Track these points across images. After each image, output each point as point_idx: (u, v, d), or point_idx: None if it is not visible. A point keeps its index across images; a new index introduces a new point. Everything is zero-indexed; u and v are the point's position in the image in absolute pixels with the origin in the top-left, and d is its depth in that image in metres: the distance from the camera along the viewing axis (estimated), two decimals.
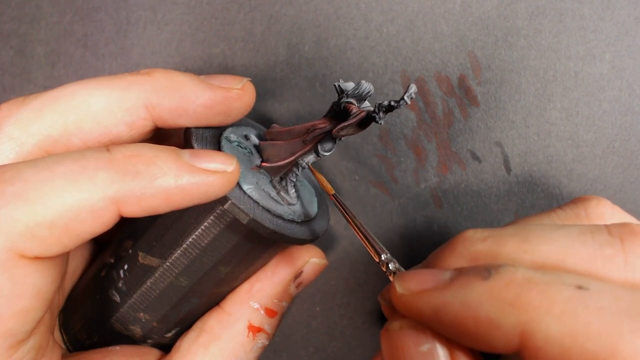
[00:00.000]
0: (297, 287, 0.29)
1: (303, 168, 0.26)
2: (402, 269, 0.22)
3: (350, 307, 0.34)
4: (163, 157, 0.21)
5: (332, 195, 0.26)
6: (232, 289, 0.28)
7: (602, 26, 0.32)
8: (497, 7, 0.32)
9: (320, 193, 0.31)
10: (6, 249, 0.19)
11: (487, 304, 0.17)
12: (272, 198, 0.26)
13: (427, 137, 0.33)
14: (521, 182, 0.32)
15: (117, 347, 0.28)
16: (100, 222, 0.20)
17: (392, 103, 0.21)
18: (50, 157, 0.21)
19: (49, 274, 0.21)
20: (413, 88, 0.21)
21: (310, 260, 0.29)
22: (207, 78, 0.25)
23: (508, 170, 0.32)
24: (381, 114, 0.22)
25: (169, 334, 0.28)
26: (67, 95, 0.24)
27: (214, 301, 0.28)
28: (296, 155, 0.25)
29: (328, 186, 0.27)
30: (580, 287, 0.17)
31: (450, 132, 0.33)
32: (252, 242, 0.26)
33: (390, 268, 0.23)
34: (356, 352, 0.34)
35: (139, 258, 0.26)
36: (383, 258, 0.23)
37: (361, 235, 0.24)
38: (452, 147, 0.33)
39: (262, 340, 0.28)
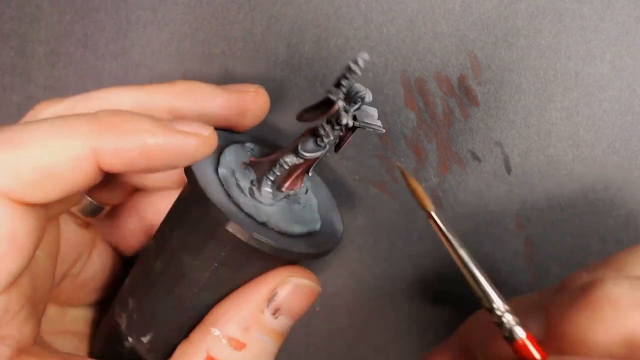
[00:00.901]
0: (274, 314, 0.24)
1: (282, 167, 0.25)
2: (522, 329, 0.18)
3: (350, 307, 0.34)
4: (141, 117, 0.21)
5: (429, 212, 0.21)
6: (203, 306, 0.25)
7: (603, 26, 0.32)
8: (497, 7, 0.32)
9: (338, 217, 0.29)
10: None
11: None
12: (239, 186, 0.25)
13: (427, 137, 0.33)
14: (521, 182, 0.32)
15: None
16: (80, 172, 0.21)
17: (341, 76, 0.21)
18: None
19: (28, 223, 0.21)
20: (363, 55, 0.20)
21: (287, 279, 0.24)
22: (223, 86, 0.26)
23: (508, 170, 0.32)
24: (333, 88, 0.22)
25: (144, 339, 0.27)
26: (96, 96, 0.25)
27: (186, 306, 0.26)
28: (277, 153, 0.25)
29: (426, 201, 0.22)
30: None
31: (450, 132, 0.33)
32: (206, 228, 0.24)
33: (505, 324, 0.19)
34: (356, 352, 0.34)
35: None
36: (496, 307, 0.19)
37: (467, 272, 0.20)
38: (452, 147, 0.33)
39: None
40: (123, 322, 0.27)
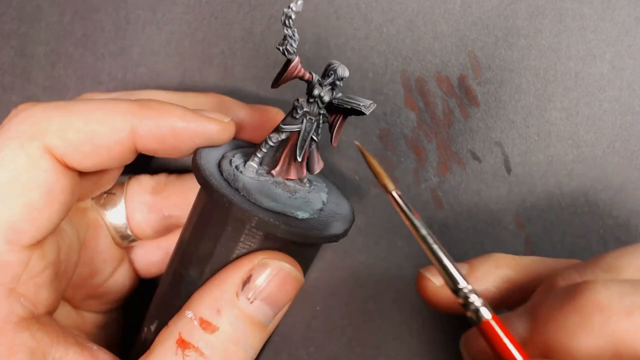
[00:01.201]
0: (250, 299, 0.22)
1: (267, 144, 0.26)
2: (488, 309, 0.18)
3: (350, 307, 0.34)
4: (173, 104, 0.25)
5: (390, 192, 0.21)
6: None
7: (603, 26, 0.32)
8: (497, 7, 0.32)
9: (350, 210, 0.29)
10: (37, 140, 0.22)
11: None
12: (230, 163, 0.26)
13: (427, 137, 0.33)
14: (521, 182, 0.32)
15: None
16: (119, 146, 0.24)
17: (283, 28, 0.23)
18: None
19: (64, 183, 0.23)
20: (296, 6, 0.22)
21: (263, 261, 0.23)
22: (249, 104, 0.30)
23: (508, 170, 0.32)
24: (281, 47, 0.24)
25: (152, 327, 0.27)
26: (137, 94, 0.30)
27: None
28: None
29: (386, 181, 0.22)
30: None
31: (450, 132, 0.33)
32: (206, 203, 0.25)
33: (471, 304, 0.18)
34: (356, 352, 0.34)
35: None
36: (462, 287, 0.18)
37: (430, 253, 0.20)
38: (452, 147, 0.33)
39: None
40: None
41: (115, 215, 0.29)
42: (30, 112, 0.23)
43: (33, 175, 0.22)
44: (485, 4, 0.32)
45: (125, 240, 0.30)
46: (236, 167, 0.26)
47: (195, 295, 0.23)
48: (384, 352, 0.34)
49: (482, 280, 0.22)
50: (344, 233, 0.26)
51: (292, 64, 0.24)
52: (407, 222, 0.20)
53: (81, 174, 0.25)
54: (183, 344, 0.21)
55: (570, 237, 0.33)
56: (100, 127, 0.23)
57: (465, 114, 0.32)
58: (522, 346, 0.18)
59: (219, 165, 0.26)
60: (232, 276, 0.23)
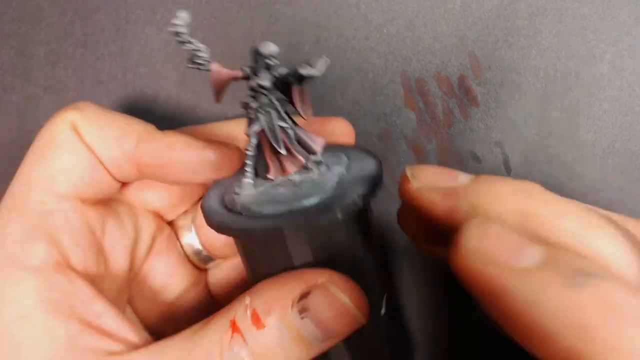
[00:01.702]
0: (300, 313, 0.21)
1: (246, 154, 0.24)
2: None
3: None
4: (175, 133, 0.26)
5: None
6: None
7: (603, 26, 0.32)
8: (497, 7, 0.32)
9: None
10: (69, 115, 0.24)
11: (553, 314, 0.14)
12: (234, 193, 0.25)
13: (427, 137, 0.33)
14: None
15: None
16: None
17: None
18: None
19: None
20: (180, 19, 0.22)
21: (324, 282, 0.22)
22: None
23: (508, 170, 0.32)
24: (191, 65, 0.23)
25: None
26: None
27: None
28: None
29: None
30: None
31: (450, 132, 0.33)
32: None
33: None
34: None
35: None
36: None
37: None
38: (452, 147, 0.33)
39: (237, 348, 0.21)
40: None
41: (186, 231, 0.30)
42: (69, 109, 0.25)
43: (75, 138, 0.24)
44: (485, 4, 0.32)
45: (198, 257, 0.30)
46: (234, 192, 0.24)
47: (259, 285, 0.22)
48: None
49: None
50: (368, 194, 0.22)
51: (212, 74, 0.23)
52: None
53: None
54: (234, 326, 0.21)
55: None
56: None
57: (465, 114, 0.32)
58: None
59: (223, 197, 0.25)
60: (293, 283, 0.22)
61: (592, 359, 0.14)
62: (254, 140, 0.24)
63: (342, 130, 0.28)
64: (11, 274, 0.22)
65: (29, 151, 0.24)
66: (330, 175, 0.24)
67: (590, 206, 0.19)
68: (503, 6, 0.32)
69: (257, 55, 0.22)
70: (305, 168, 0.24)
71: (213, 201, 0.25)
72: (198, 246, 0.30)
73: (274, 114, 0.23)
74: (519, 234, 0.17)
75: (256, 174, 0.25)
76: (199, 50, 0.22)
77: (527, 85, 0.32)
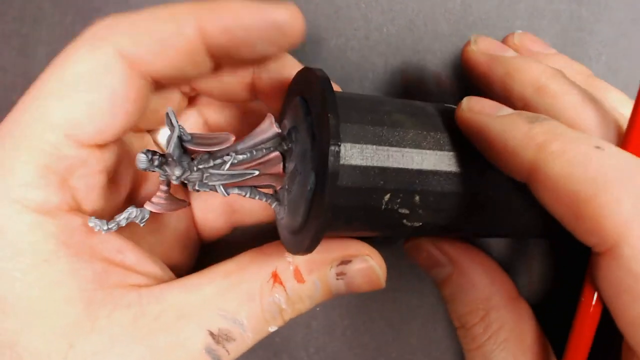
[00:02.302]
0: (337, 275, 0.25)
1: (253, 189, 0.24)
2: None
3: (350, 307, 0.34)
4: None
5: None
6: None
7: (599, 28, 0.33)
8: (497, 7, 0.32)
9: None
10: (108, 42, 0.22)
11: (518, 139, 0.21)
12: None
13: None
14: None
15: None
16: (188, 46, 0.23)
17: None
18: None
19: (131, 90, 0.23)
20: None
21: (364, 256, 0.26)
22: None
23: None
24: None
25: None
26: None
27: None
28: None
29: None
30: (597, 147, 0.20)
31: None
32: None
33: None
34: (356, 353, 0.34)
35: None
36: None
37: None
38: None
39: (278, 295, 0.24)
40: None
41: (165, 136, 0.29)
42: (103, 21, 0.23)
43: (101, 76, 0.22)
44: (485, 4, 0.32)
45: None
46: (280, 219, 0.25)
47: None
48: (384, 353, 0.34)
49: None
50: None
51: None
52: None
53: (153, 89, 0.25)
54: (276, 277, 0.25)
55: None
56: (166, 23, 0.23)
57: None
58: None
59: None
60: (335, 252, 0.25)
61: (543, 163, 0.21)
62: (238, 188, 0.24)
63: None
64: (22, 217, 0.22)
65: (50, 75, 0.23)
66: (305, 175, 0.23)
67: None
68: (503, 6, 0.32)
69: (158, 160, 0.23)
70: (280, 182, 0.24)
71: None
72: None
73: (205, 175, 0.23)
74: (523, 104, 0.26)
75: (277, 200, 0.25)
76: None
77: None
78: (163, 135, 0.29)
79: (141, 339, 0.22)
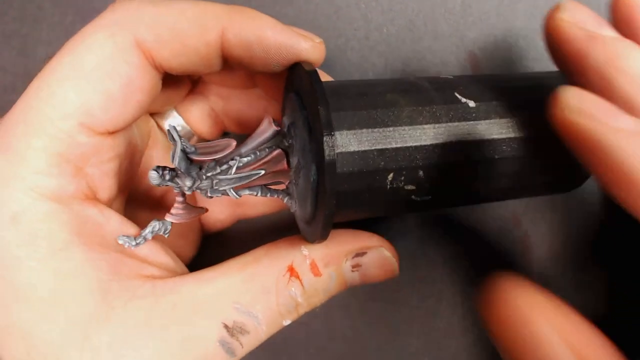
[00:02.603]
0: (353, 267, 0.26)
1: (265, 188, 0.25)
2: None
3: (350, 308, 0.34)
4: (266, 16, 0.24)
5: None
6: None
7: None
8: (497, 7, 0.32)
9: None
10: (127, 31, 0.22)
11: None
12: None
13: None
14: None
15: None
16: (207, 49, 0.23)
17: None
18: None
19: (146, 80, 0.23)
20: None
21: (380, 247, 0.26)
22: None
23: None
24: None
25: None
26: None
27: None
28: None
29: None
30: None
31: None
32: None
33: None
34: (356, 353, 0.34)
35: None
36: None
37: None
38: None
39: (294, 288, 0.25)
40: None
41: (173, 121, 0.29)
42: (125, 5, 0.23)
43: (117, 65, 0.22)
44: (485, 4, 0.32)
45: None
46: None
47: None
48: (384, 353, 0.34)
49: None
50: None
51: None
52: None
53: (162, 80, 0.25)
54: (292, 271, 0.25)
55: (567, 228, 0.33)
56: (191, 25, 0.23)
57: None
58: None
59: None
60: (350, 244, 0.26)
61: None
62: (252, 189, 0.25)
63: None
64: (37, 205, 0.22)
65: (64, 59, 0.22)
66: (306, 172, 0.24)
67: None
68: (503, 6, 0.32)
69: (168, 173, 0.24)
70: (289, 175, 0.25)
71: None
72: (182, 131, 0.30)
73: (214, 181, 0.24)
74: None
75: (288, 194, 0.26)
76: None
77: None
78: (168, 121, 0.29)
79: (156, 331, 0.22)
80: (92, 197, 0.23)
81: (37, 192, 0.21)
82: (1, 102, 0.33)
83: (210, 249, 0.32)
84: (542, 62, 0.32)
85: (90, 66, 0.22)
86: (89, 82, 0.22)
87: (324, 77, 0.28)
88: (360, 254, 0.26)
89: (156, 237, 0.26)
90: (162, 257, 0.25)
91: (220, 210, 0.31)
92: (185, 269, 0.26)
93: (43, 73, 0.22)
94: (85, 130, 0.22)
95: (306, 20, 0.33)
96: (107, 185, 0.24)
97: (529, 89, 0.26)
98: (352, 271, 0.26)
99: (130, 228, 0.24)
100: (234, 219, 0.32)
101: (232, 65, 0.25)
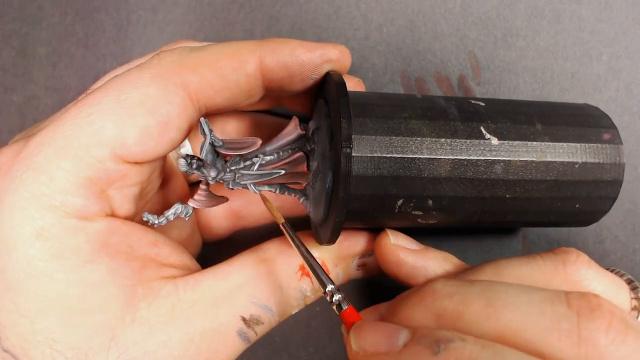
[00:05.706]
0: (358, 267, 0.28)
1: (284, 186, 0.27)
2: (346, 302, 0.23)
3: None
4: (290, 39, 0.26)
5: (282, 224, 0.26)
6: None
7: (600, 27, 0.33)
8: (497, 8, 0.32)
9: None
10: (175, 75, 0.24)
11: None
12: None
13: None
14: None
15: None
16: (247, 80, 0.25)
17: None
18: None
19: (184, 119, 0.24)
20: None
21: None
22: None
23: None
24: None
25: None
26: None
27: None
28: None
29: (277, 215, 0.26)
30: None
31: None
32: None
33: (334, 300, 0.23)
34: None
35: None
36: (329, 289, 0.23)
37: (308, 265, 0.25)
38: None
39: (305, 285, 0.27)
40: None
41: (184, 150, 0.31)
42: (169, 52, 0.25)
43: (159, 103, 0.23)
44: (485, 4, 0.32)
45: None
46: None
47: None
48: None
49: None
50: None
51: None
52: (292, 244, 0.25)
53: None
54: (304, 270, 0.27)
55: (566, 235, 0.33)
56: (230, 60, 0.24)
57: None
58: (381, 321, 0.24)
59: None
60: (358, 247, 0.28)
61: None
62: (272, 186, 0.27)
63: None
64: (64, 222, 0.22)
65: (108, 93, 0.23)
66: (323, 174, 0.25)
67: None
68: (502, 6, 0.32)
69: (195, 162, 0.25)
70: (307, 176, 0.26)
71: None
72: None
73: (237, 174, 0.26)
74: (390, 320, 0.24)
75: (304, 195, 0.27)
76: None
77: (524, 86, 0.32)
78: (184, 150, 0.31)
79: (179, 326, 0.24)
80: (112, 215, 0.24)
81: (62, 210, 0.22)
82: (1, 102, 0.33)
83: (209, 249, 0.32)
84: (542, 62, 0.32)
85: (134, 102, 0.23)
86: (130, 116, 0.23)
87: (351, 81, 0.29)
88: (366, 254, 0.28)
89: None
90: (180, 256, 0.26)
91: (220, 225, 0.32)
92: (199, 266, 0.27)
93: (85, 101, 0.23)
94: (116, 159, 0.23)
95: (306, 20, 0.33)
96: (126, 207, 0.25)
97: (558, 129, 0.26)
98: (357, 269, 0.28)
99: (151, 234, 0.25)
100: (232, 230, 0.33)
101: (272, 92, 0.26)
